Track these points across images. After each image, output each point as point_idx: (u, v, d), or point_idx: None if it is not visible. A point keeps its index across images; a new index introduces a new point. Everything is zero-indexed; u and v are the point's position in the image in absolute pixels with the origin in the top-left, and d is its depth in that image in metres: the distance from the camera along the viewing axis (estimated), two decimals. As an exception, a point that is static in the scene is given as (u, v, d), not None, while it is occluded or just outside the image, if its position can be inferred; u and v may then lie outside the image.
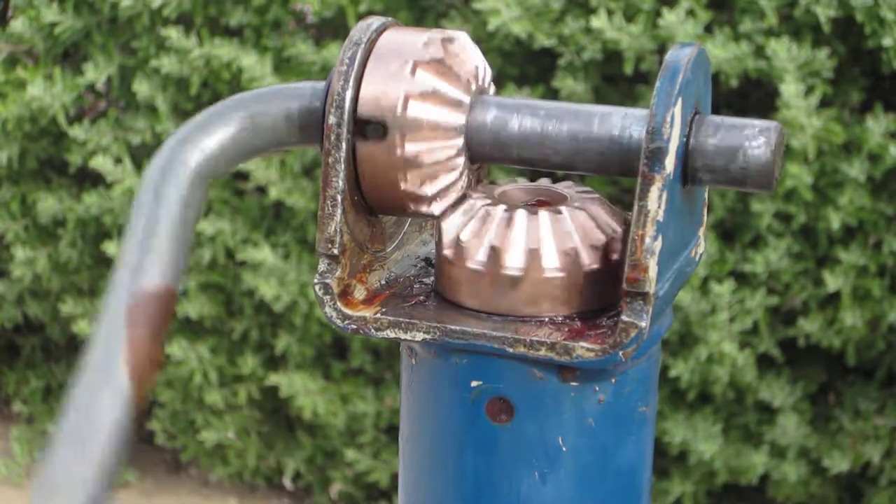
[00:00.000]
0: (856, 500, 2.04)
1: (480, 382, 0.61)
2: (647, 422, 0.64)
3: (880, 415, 1.94)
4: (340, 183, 0.60)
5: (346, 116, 0.60)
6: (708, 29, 1.86)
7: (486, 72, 0.64)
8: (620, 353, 0.58)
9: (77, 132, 2.28)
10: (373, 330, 0.61)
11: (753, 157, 0.58)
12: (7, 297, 2.55)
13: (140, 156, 2.28)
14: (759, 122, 0.59)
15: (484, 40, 2.00)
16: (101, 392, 0.53)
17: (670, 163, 0.58)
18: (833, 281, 1.85)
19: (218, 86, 2.17)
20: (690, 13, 1.85)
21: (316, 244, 0.61)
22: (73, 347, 2.61)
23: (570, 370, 0.60)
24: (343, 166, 0.60)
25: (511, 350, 0.59)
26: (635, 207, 0.58)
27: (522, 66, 2.02)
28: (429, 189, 0.61)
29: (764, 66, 1.82)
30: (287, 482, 2.44)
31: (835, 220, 1.83)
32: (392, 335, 0.61)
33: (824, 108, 1.84)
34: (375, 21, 0.62)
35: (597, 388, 0.61)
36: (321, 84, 0.63)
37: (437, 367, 0.62)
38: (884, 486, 1.96)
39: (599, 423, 0.61)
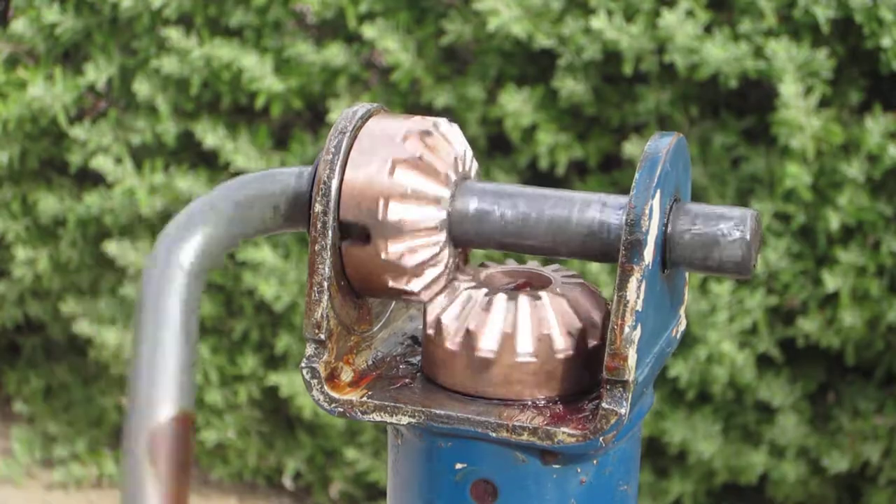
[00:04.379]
0: (855, 500, 2.04)
1: (465, 465, 0.62)
2: (628, 499, 0.65)
3: (879, 414, 1.94)
4: (327, 270, 0.61)
5: (332, 204, 0.61)
6: (707, 29, 1.87)
7: (467, 158, 0.64)
8: (601, 438, 0.59)
9: (78, 132, 2.28)
10: (359, 413, 0.62)
11: (730, 247, 0.60)
12: (8, 297, 2.56)
13: (140, 156, 2.28)
14: (735, 212, 0.60)
15: (484, 40, 2.00)
16: None
17: (649, 254, 0.59)
18: (832, 281, 1.85)
19: (218, 86, 2.17)
20: (690, 13, 1.86)
21: (303, 329, 0.61)
22: (73, 347, 2.61)
23: (552, 454, 0.61)
24: (329, 253, 0.61)
25: (494, 434, 0.60)
26: (615, 297, 0.58)
27: (522, 67, 2.02)
28: (416, 285, 0.62)
29: (763, 67, 1.82)
30: (287, 481, 2.44)
31: (834, 221, 1.83)
32: (378, 418, 0.62)
33: (823, 109, 1.84)
34: (360, 109, 0.63)
35: (578, 470, 0.62)
36: (307, 170, 0.63)
37: (423, 449, 0.63)
38: (883, 485, 1.96)
39: None
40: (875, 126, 1.81)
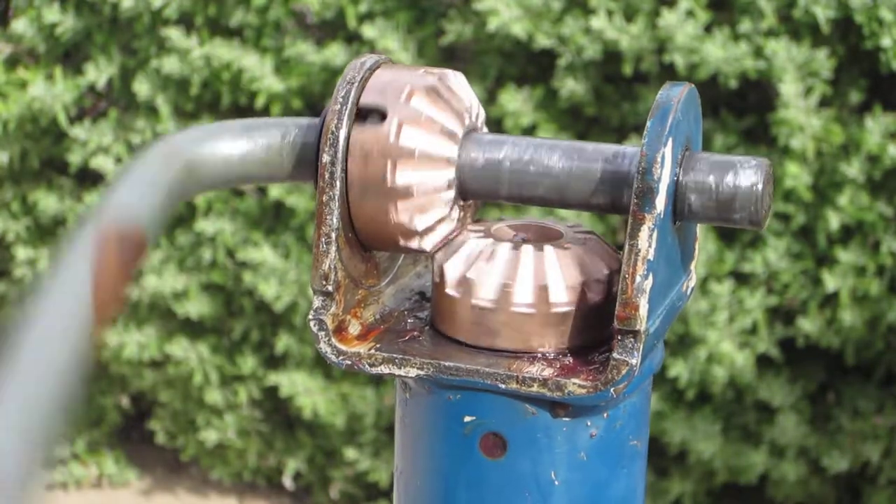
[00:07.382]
0: (855, 500, 2.04)
1: (474, 418, 0.61)
2: (638, 455, 0.64)
3: (879, 414, 1.94)
4: (335, 221, 0.61)
5: (340, 155, 0.60)
6: (707, 29, 1.87)
7: (479, 110, 0.64)
8: (611, 389, 0.59)
9: (78, 132, 2.28)
10: (367, 366, 0.62)
11: (742, 196, 0.59)
12: (8, 297, 2.56)
13: (141, 156, 2.28)
14: (747, 160, 0.60)
15: (484, 40, 2.00)
16: (61, 313, 0.47)
17: (661, 202, 0.58)
18: (832, 281, 1.85)
19: (218, 86, 2.18)
20: (690, 13, 1.86)
21: (311, 281, 0.62)
22: (73, 347, 2.61)
23: (562, 406, 0.60)
24: (337, 204, 0.61)
25: (503, 386, 0.60)
26: (626, 246, 0.58)
27: (522, 67, 2.02)
28: (419, 223, 0.61)
29: (763, 67, 1.82)
30: (287, 482, 2.44)
31: (834, 221, 1.83)
32: (386, 371, 0.61)
33: (823, 109, 1.84)
34: (369, 59, 0.62)
35: (589, 423, 0.61)
36: (315, 120, 0.63)
37: (431, 402, 0.62)
38: (882, 485, 1.96)
39: (592, 458, 0.62)
40: (875, 126, 1.81)
